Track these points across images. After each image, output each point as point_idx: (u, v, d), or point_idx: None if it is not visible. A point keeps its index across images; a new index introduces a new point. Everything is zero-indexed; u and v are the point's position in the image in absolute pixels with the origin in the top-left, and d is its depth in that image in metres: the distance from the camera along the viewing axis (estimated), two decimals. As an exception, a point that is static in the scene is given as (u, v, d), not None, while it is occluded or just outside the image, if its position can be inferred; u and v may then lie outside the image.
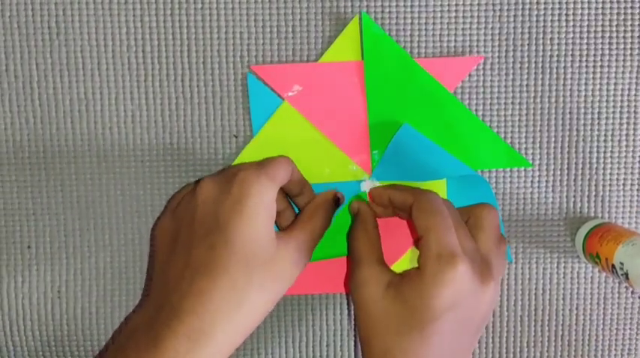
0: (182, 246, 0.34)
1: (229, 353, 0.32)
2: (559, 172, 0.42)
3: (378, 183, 0.40)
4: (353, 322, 0.42)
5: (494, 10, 0.40)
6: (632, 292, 0.43)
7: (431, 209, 0.34)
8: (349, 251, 0.37)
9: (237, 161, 0.40)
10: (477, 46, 0.40)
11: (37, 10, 0.39)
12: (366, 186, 0.40)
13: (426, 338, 0.32)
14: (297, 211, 0.40)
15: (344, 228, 0.40)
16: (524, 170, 0.42)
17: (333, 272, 0.41)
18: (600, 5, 0.40)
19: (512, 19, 0.40)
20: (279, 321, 0.42)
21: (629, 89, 0.41)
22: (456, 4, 0.40)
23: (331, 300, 0.42)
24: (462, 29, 0.40)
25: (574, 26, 0.41)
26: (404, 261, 0.41)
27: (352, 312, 0.42)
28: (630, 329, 0.43)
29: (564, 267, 0.43)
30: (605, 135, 0.41)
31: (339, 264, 0.41)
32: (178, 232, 0.35)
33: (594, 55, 0.41)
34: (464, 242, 0.34)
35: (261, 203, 0.33)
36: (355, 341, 0.43)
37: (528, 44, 0.41)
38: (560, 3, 0.40)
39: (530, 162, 0.41)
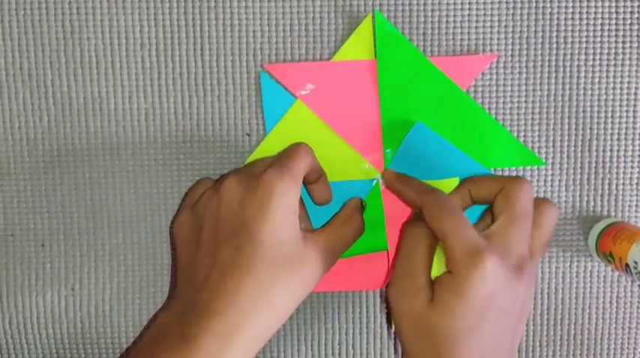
0: (207, 244, 0.34)
1: (257, 352, 0.33)
2: (572, 171, 0.42)
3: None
4: (390, 327, 0.42)
5: (507, 9, 0.40)
6: (645, 291, 0.43)
7: (442, 212, 0.34)
8: (397, 259, 0.36)
9: (250, 159, 0.40)
10: (491, 44, 0.40)
11: (51, 8, 0.39)
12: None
13: (471, 338, 0.32)
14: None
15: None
16: (538, 169, 0.41)
17: (348, 271, 0.41)
18: (614, 3, 0.40)
19: (525, 17, 0.40)
20: (292, 320, 0.42)
21: (643, 88, 0.41)
22: (470, 3, 0.40)
23: (344, 299, 0.42)
24: (475, 27, 0.40)
25: (588, 24, 0.40)
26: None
27: (387, 317, 0.42)
28: (643, 328, 0.43)
29: (577, 266, 0.42)
30: (619, 134, 0.41)
31: (355, 263, 0.41)
32: (200, 230, 0.35)
33: (608, 54, 0.41)
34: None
35: (286, 204, 0.33)
36: (395, 348, 0.43)
37: (542, 43, 0.40)
38: (573, 1, 0.40)
39: (544, 161, 0.41)
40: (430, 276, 0.34)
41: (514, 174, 0.41)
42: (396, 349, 0.43)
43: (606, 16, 0.40)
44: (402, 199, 0.39)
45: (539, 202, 0.36)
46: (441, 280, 0.33)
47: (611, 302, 0.43)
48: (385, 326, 0.42)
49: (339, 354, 0.43)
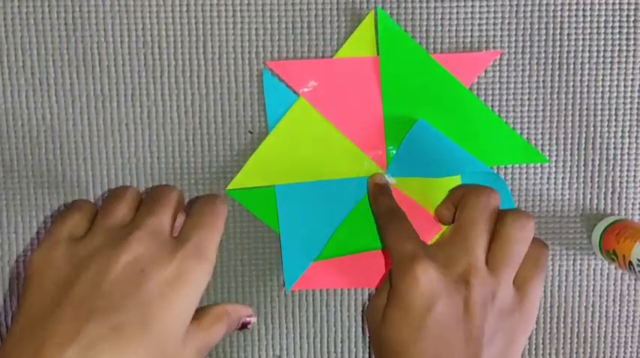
0: (75, 305, 0.27)
1: None
2: (575, 169, 0.41)
3: (393, 180, 0.40)
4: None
5: (510, 6, 0.40)
6: (649, 289, 0.43)
7: (387, 227, 0.35)
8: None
9: (253, 157, 0.40)
10: (494, 41, 0.40)
11: (53, 6, 0.39)
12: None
13: (414, 348, 0.32)
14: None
15: (361, 225, 0.40)
16: (541, 166, 0.41)
17: (349, 268, 0.41)
18: (618, 1, 0.40)
19: (528, 14, 0.40)
20: (294, 317, 0.42)
21: (647, 85, 0.41)
22: (472, 0, 0.40)
23: (346, 296, 0.42)
24: (479, 24, 0.40)
25: (591, 22, 0.40)
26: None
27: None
28: (647, 326, 0.43)
29: (580, 264, 0.42)
30: (623, 132, 0.41)
31: (355, 260, 0.41)
32: (72, 282, 0.27)
33: (611, 51, 0.41)
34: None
35: (195, 295, 0.28)
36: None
37: (545, 40, 0.40)
38: (577, -2, 0.40)
39: (547, 158, 0.41)
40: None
41: (517, 171, 0.41)
42: None
43: (610, 12, 0.40)
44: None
45: (505, 212, 0.35)
46: (388, 294, 0.34)
47: (614, 300, 0.43)
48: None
49: (341, 352, 0.43)
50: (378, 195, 0.39)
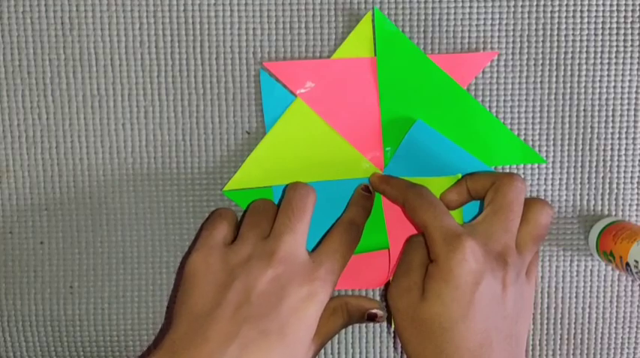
0: (231, 307, 0.32)
1: None
2: (573, 169, 0.41)
3: None
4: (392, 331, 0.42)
5: (508, 7, 0.40)
6: (646, 290, 0.43)
7: (422, 204, 0.35)
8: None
9: (250, 158, 0.40)
10: (491, 42, 0.40)
11: (50, 5, 0.39)
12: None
13: (464, 324, 0.32)
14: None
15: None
16: (538, 167, 0.41)
17: (349, 269, 0.41)
18: (615, 2, 0.40)
19: (526, 15, 0.40)
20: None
21: (644, 86, 0.41)
22: (470, 0, 0.40)
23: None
24: (476, 25, 0.40)
25: (589, 23, 0.40)
26: None
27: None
28: (643, 327, 0.43)
29: (577, 265, 0.42)
30: (620, 133, 0.41)
31: (356, 261, 0.40)
32: (228, 286, 0.33)
33: (609, 52, 0.41)
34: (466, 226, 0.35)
35: (321, 309, 0.34)
36: (395, 347, 0.43)
37: (543, 40, 0.40)
38: (574, -1, 0.40)
39: (544, 158, 0.41)
40: (423, 274, 0.35)
41: (514, 171, 0.41)
42: (395, 348, 0.43)
43: (607, 14, 0.40)
44: (389, 200, 0.39)
45: (531, 199, 0.36)
46: (428, 272, 0.34)
47: (611, 301, 0.43)
48: (385, 325, 0.42)
49: (339, 353, 0.42)
50: (389, 179, 0.39)
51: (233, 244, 0.35)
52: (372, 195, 0.39)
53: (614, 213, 0.42)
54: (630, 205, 0.42)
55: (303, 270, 0.34)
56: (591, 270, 0.42)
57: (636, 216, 0.42)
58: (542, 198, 0.42)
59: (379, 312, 0.38)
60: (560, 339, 0.43)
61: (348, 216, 0.38)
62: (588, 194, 0.42)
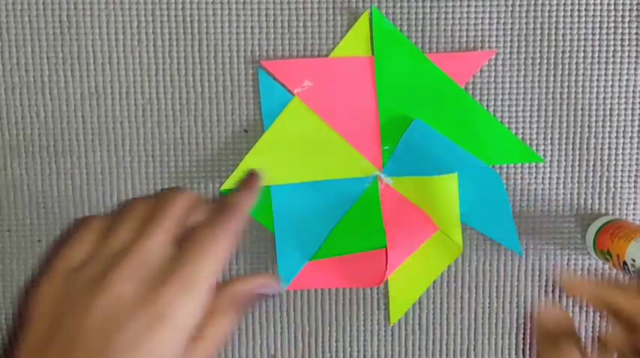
0: (62, 342, 0.25)
1: None
2: (570, 168, 0.42)
3: (390, 180, 0.40)
4: None
5: (506, 6, 0.40)
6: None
7: None
8: None
9: (248, 156, 0.40)
10: (489, 41, 0.40)
11: (48, 3, 0.39)
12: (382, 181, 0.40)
13: None
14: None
15: (357, 225, 0.40)
16: (536, 166, 0.41)
17: (347, 268, 0.41)
18: (613, 1, 0.40)
19: (524, 14, 0.40)
20: (288, 316, 0.42)
21: (641, 85, 0.41)
22: (468, 0, 0.40)
23: (341, 296, 0.42)
24: (475, 24, 0.40)
25: (586, 22, 0.40)
26: (426, 248, 0.41)
27: None
28: None
29: (574, 263, 0.42)
30: (617, 132, 0.41)
31: (353, 260, 0.41)
32: (65, 314, 0.26)
33: (606, 52, 0.41)
34: None
35: (185, 327, 0.26)
36: None
37: (540, 40, 0.40)
38: (572, -2, 0.40)
39: (542, 157, 0.41)
40: None
41: (512, 170, 0.41)
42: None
43: (605, 13, 0.40)
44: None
45: None
46: None
47: (608, 299, 0.43)
48: (382, 322, 0.42)
49: (336, 351, 0.43)
50: (603, 289, 0.30)
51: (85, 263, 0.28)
52: (258, 175, 0.30)
53: (611, 211, 0.42)
54: (627, 204, 0.42)
55: (151, 283, 0.26)
56: (588, 269, 0.42)
57: (633, 214, 0.42)
58: (540, 196, 0.42)
59: (268, 290, 0.29)
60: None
61: (226, 198, 0.29)
62: (585, 193, 0.42)
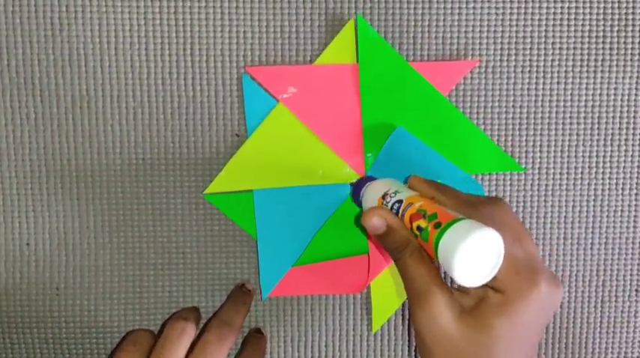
0: None
1: None
2: (558, 176, 0.42)
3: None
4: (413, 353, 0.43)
5: (496, 14, 0.40)
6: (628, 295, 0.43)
7: (498, 222, 0.31)
8: (405, 284, 0.32)
9: (232, 162, 0.40)
10: (479, 49, 0.41)
11: (39, 6, 0.39)
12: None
13: (506, 354, 0.30)
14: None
15: (340, 231, 0.40)
16: (524, 174, 0.42)
17: (329, 274, 0.41)
18: (602, 10, 0.41)
19: (514, 22, 0.40)
20: (279, 321, 0.42)
21: (629, 94, 0.41)
22: (459, 7, 0.40)
23: (330, 301, 0.42)
24: (465, 32, 0.40)
25: (575, 31, 0.41)
26: None
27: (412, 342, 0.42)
28: (627, 332, 0.43)
29: (562, 270, 0.43)
30: (605, 140, 0.42)
31: (336, 266, 0.41)
32: None
33: (595, 60, 0.41)
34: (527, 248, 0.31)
35: None
36: None
37: (530, 48, 0.41)
38: (561, 8, 0.40)
39: (530, 165, 0.41)
40: (446, 286, 0.31)
41: (500, 178, 0.42)
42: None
43: (593, 22, 0.41)
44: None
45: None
46: (487, 298, 0.30)
47: (595, 306, 0.43)
48: (369, 327, 0.42)
49: (325, 356, 0.43)
50: (431, 189, 0.34)
51: None
52: (251, 292, 0.41)
53: (599, 218, 0.42)
54: (615, 211, 0.42)
55: None
56: (575, 275, 0.43)
57: (621, 221, 0.42)
58: (528, 204, 0.42)
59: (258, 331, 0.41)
60: (545, 345, 0.43)
61: (221, 316, 0.38)
62: (574, 201, 0.42)
